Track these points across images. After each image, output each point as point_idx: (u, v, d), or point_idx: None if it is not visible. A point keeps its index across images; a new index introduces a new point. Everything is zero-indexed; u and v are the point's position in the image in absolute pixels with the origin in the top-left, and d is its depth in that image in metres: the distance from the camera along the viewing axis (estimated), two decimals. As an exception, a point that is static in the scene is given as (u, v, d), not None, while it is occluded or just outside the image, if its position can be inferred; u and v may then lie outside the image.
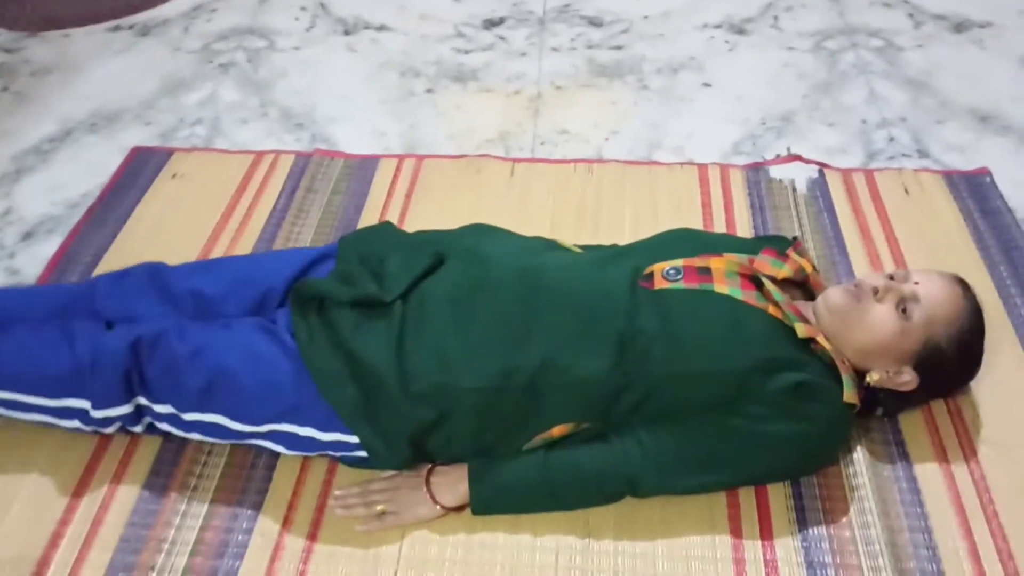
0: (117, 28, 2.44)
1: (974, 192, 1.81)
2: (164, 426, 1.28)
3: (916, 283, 1.26)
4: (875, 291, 1.25)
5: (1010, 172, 1.86)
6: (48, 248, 1.72)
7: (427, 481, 1.26)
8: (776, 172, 1.88)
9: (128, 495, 1.29)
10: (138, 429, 1.30)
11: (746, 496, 1.28)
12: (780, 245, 1.43)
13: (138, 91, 2.18)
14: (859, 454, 1.32)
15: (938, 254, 1.66)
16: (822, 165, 1.90)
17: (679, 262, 1.32)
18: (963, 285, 1.29)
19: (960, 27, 2.36)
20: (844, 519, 1.25)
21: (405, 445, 1.22)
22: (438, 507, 1.24)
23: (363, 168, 1.91)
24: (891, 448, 1.34)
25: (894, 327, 1.24)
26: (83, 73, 2.25)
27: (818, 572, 1.19)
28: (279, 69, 2.26)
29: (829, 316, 1.28)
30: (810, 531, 1.24)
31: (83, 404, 1.25)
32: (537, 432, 1.26)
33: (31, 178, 1.91)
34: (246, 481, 1.31)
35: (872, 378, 1.27)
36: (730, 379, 1.22)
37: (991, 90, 2.13)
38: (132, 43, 2.38)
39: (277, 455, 1.33)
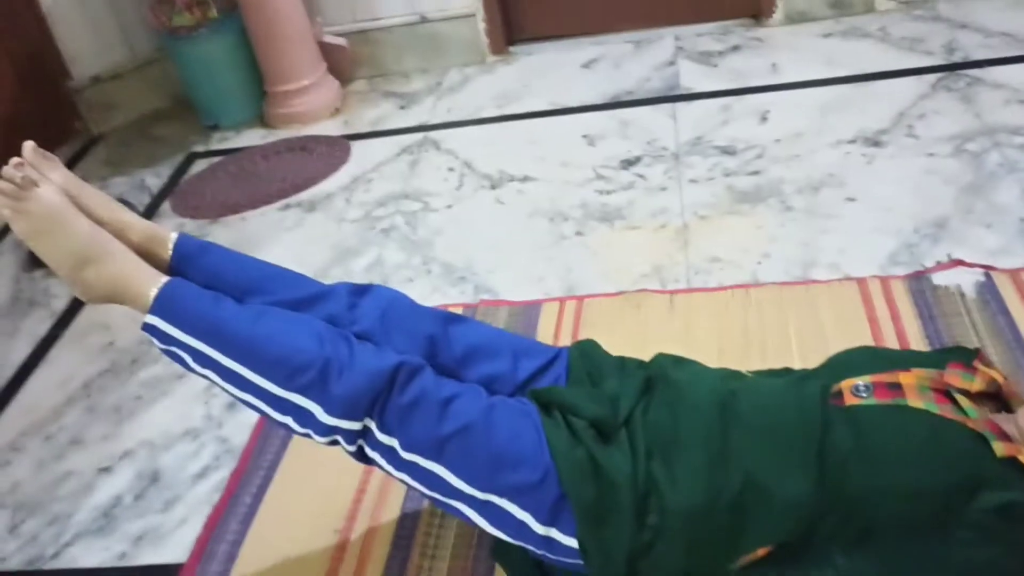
0: (287, 207, 2.68)
1: None
2: (375, 455, 1.29)
3: None
4: None
5: None
6: (252, 415, 1.87)
7: None
8: (940, 279, 1.87)
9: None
10: (349, 449, 1.30)
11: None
12: (965, 357, 1.41)
13: (311, 261, 2.36)
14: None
15: None
16: (987, 268, 1.88)
17: (867, 378, 1.33)
18: None
19: (1106, 115, 2.33)
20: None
21: (623, 562, 1.25)
22: None
23: (527, 314, 2.01)
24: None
25: None
26: (261, 250, 2.46)
27: None
28: (435, 227, 2.42)
29: (1032, 430, 1.25)
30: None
31: (311, 406, 1.25)
32: (741, 555, 1.27)
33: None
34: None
35: (1085, 493, 1.22)
36: (932, 497, 1.19)
37: None
38: (301, 219, 2.60)
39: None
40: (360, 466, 1.65)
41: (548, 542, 1.27)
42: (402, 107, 3.16)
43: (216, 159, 3.08)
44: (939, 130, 2.40)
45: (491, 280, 2.16)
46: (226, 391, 1.32)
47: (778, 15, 3.19)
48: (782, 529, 1.26)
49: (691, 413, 1.32)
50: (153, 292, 1.29)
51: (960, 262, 1.91)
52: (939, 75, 2.67)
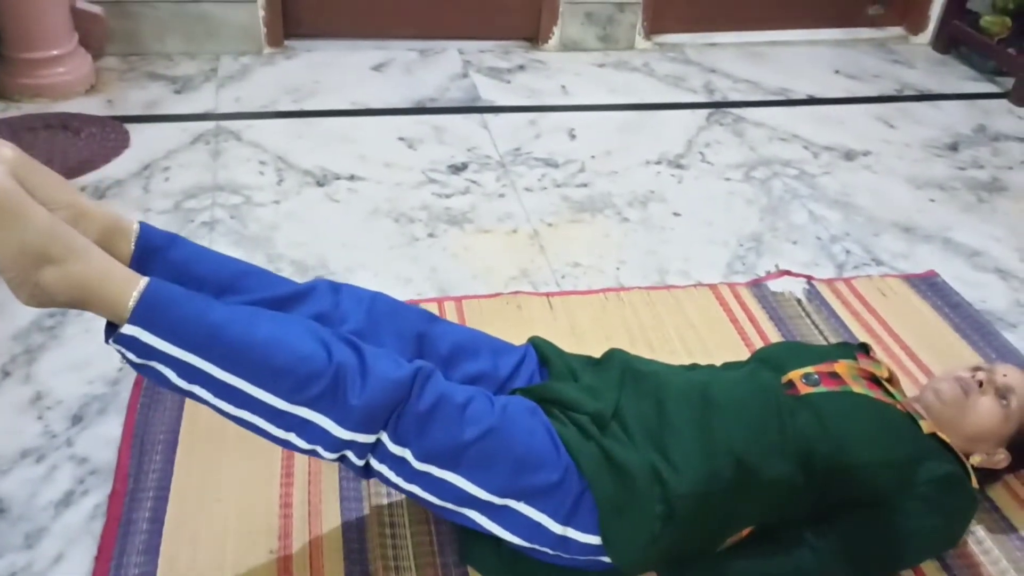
0: (66, 191, 2.29)
1: (936, 291, 2.14)
2: (383, 468, 1.21)
3: (1004, 375, 1.49)
4: (979, 384, 1.47)
5: (948, 272, 2.22)
6: (109, 429, 1.58)
7: None
8: (775, 286, 2.12)
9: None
10: (358, 463, 1.20)
11: None
12: (863, 350, 1.62)
13: (122, 255, 2.05)
14: (976, 528, 1.52)
15: (938, 346, 1.95)
16: (808, 278, 2.16)
17: (810, 369, 1.48)
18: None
19: (849, 155, 2.79)
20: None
21: (643, 549, 1.27)
22: None
23: (406, 314, 1.92)
24: (993, 516, 1.55)
25: (999, 415, 1.46)
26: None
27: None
28: (268, 223, 2.22)
29: (942, 408, 1.48)
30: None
31: (321, 420, 1.14)
32: (732, 535, 1.35)
33: (47, 357, 1.74)
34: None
35: (975, 460, 1.47)
36: (890, 469, 1.36)
37: (898, 205, 2.53)
38: (90, 205, 2.24)
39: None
40: (273, 475, 1.52)
41: (564, 541, 1.26)
42: (177, 91, 2.85)
43: (-60, 130, 2.54)
44: (726, 158, 2.71)
45: (353, 279, 2.04)
46: (216, 408, 1.15)
47: (553, 41, 3.38)
48: (768, 508, 1.36)
49: (676, 403, 1.38)
50: (132, 297, 1.07)
51: (788, 272, 2.17)
52: (709, 111, 3.01)
